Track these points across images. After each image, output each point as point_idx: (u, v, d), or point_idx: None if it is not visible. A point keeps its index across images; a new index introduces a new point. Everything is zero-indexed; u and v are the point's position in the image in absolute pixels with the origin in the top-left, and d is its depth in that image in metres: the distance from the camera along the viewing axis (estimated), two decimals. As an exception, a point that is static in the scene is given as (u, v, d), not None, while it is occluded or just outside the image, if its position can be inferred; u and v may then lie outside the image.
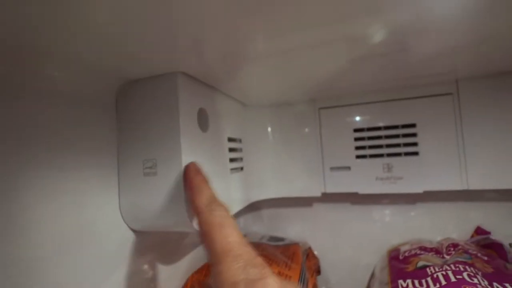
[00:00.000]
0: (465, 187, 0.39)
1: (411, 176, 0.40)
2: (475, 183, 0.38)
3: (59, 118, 0.22)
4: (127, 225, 0.27)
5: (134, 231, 0.28)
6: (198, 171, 0.24)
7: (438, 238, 0.43)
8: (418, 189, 0.40)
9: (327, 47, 0.25)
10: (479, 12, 0.21)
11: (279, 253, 0.40)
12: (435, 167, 0.39)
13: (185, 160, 0.25)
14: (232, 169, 0.36)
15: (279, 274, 0.33)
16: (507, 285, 0.28)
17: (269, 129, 0.46)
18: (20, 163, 0.19)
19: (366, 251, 0.47)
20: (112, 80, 0.26)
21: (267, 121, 0.46)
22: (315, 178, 0.44)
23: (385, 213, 0.47)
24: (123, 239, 0.27)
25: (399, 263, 0.35)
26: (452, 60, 0.33)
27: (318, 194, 0.44)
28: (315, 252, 0.48)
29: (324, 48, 0.25)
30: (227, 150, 0.35)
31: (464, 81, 0.39)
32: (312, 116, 0.45)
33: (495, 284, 0.28)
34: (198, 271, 0.36)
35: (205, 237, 0.19)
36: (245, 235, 0.51)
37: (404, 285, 0.30)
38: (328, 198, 0.48)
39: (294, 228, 0.52)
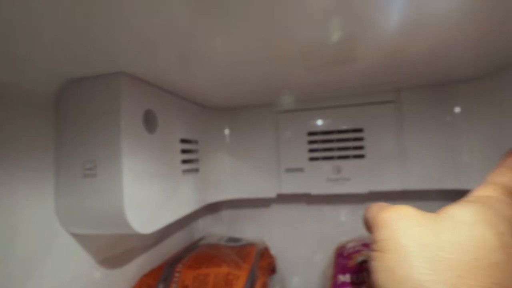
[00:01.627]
0: (405, 187, 0.42)
1: (358, 178, 0.43)
2: (414, 184, 0.42)
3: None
4: (64, 228, 0.26)
5: (73, 234, 0.27)
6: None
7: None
8: (364, 189, 0.43)
9: (278, 54, 0.26)
10: (417, 30, 0.23)
11: (234, 254, 0.40)
12: (379, 169, 0.43)
13: (126, 161, 0.25)
14: (185, 170, 0.36)
15: (228, 274, 0.34)
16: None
17: (227, 131, 0.47)
18: None
19: (319, 249, 0.49)
20: (51, 79, 0.25)
21: (225, 123, 0.47)
22: (271, 180, 0.46)
23: (336, 213, 0.49)
24: (58, 243, 0.26)
25: (343, 259, 0.38)
26: (394, 72, 0.36)
27: (273, 195, 0.46)
28: (272, 252, 0.50)
29: (275, 56, 0.26)
30: (179, 151, 0.35)
31: (405, 91, 0.43)
32: (270, 120, 0.46)
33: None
34: (147, 274, 0.35)
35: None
36: (203, 237, 0.51)
37: (343, 279, 0.32)
38: (284, 198, 0.50)
39: (253, 228, 0.53)
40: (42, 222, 0.25)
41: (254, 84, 0.36)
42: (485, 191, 0.17)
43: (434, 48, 0.26)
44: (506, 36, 0.24)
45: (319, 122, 0.45)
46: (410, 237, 0.15)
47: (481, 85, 0.37)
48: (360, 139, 0.43)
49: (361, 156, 0.43)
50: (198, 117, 0.42)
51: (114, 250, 0.32)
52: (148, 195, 0.27)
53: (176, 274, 0.35)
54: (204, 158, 0.42)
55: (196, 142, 0.40)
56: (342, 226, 0.49)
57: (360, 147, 0.43)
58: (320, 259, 0.49)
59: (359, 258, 0.35)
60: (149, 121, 0.29)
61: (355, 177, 0.43)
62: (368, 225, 0.20)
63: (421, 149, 0.42)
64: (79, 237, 0.27)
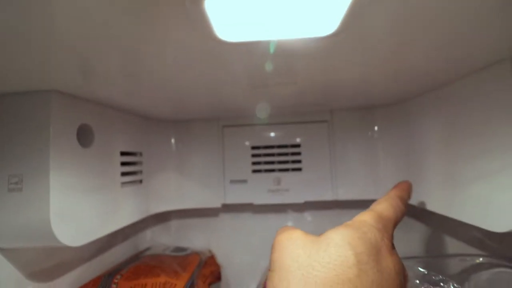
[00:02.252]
0: (335, 198, 0.47)
1: (295, 189, 0.47)
2: (342, 195, 0.47)
3: None
4: (-12, 243, 0.26)
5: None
6: None
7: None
8: (300, 199, 0.47)
9: (221, 75, 0.28)
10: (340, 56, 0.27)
11: (175, 264, 0.42)
12: (313, 181, 0.47)
13: (54, 176, 0.25)
14: (125, 182, 0.37)
15: (166, 283, 0.35)
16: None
17: (173, 142, 0.48)
18: None
19: (264, 256, 0.52)
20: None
21: (171, 135, 0.48)
22: (216, 190, 0.48)
23: (279, 221, 0.53)
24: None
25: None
26: (327, 95, 0.41)
27: (218, 205, 0.48)
28: (218, 260, 0.51)
29: (219, 76, 0.28)
30: (118, 164, 0.36)
31: (337, 112, 0.48)
32: (216, 133, 0.49)
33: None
34: (86, 285, 0.35)
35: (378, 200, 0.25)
36: (149, 247, 0.52)
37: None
38: (231, 208, 0.52)
39: (200, 237, 0.54)
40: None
41: (199, 99, 0.38)
42: (363, 217, 0.21)
43: (356, 80, 0.31)
44: (405, 72, 0.29)
45: (262, 137, 0.48)
46: (293, 258, 0.18)
47: (394, 110, 0.44)
48: (298, 153, 0.48)
49: (298, 169, 0.47)
50: (142, 129, 0.43)
51: (45, 263, 0.32)
52: (79, 209, 0.28)
53: (113, 286, 0.35)
54: (148, 170, 0.43)
55: (140, 154, 0.41)
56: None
57: (298, 161, 0.47)
58: (265, 265, 0.52)
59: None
60: (84, 136, 0.30)
61: (293, 188, 0.47)
62: None
63: (349, 163, 0.47)
64: (5, 251, 0.27)
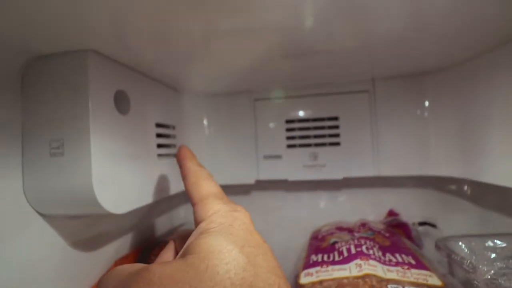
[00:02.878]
0: (377, 174, 0.44)
1: (333, 164, 0.44)
2: (385, 170, 0.43)
3: None
4: (34, 209, 0.26)
5: (43, 215, 0.27)
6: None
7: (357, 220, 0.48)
8: (339, 175, 0.44)
9: (246, 37, 0.26)
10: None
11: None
12: (353, 156, 0.44)
13: (94, 140, 0.24)
14: (161, 154, 0.36)
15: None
16: (396, 255, 0.32)
17: (205, 117, 0.47)
18: None
19: (296, 234, 0.50)
20: (15, 55, 0.24)
21: (203, 109, 0.47)
22: (249, 166, 0.46)
23: (313, 199, 0.51)
24: (27, 223, 0.25)
25: (317, 241, 0.39)
26: (368, 62, 0.37)
27: (251, 181, 0.47)
28: (251, 238, 0.50)
29: (244, 39, 0.26)
30: (154, 135, 0.35)
31: (379, 80, 0.44)
32: (248, 107, 0.47)
33: (387, 254, 0.32)
34: (122, 258, 0.35)
35: (193, 185, 0.23)
36: (183, 224, 0.52)
37: (315, 258, 0.33)
38: (263, 185, 0.51)
39: (232, 215, 0.53)
40: (9, 201, 0.24)
41: (232, 69, 0.36)
42: (208, 214, 0.20)
43: (405, 35, 0.27)
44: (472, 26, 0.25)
45: (297, 110, 0.46)
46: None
47: (447, 76, 0.39)
48: (336, 127, 0.45)
49: (336, 144, 0.44)
50: (174, 103, 0.41)
51: (87, 233, 0.32)
52: (120, 176, 0.27)
53: (152, 258, 0.35)
54: (180, 144, 0.42)
55: (173, 127, 0.40)
56: (318, 212, 0.50)
57: (336, 135, 0.44)
58: (297, 245, 0.50)
59: (332, 239, 0.36)
60: (121, 102, 0.29)
61: (331, 164, 0.44)
62: None
63: (393, 137, 0.43)
64: (49, 218, 0.27)
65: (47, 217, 0.27)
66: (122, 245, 0.37)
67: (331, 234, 0.39)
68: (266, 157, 0.46)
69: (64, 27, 0.21)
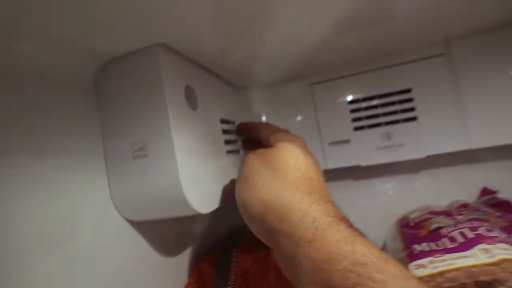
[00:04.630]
0: (468, 147, 0.38)
1: (412, 142, 0.39)
2: (478, 141, 0.37)
3: (34, 101, 0.20)
4: (121, 215, 0.25)
5: (129, 221, 0.26)
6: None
7: (445, 203, 0.42)
8: (421, 154, 0.39)
9: (312, 7, 0.23)
10: None
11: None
12: (435, 130, 0.39)
13: (176, 138, 0.23)
14: (228, 151, 0.34)
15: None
16: (522, 235, 0.27)
17: (263, 110, 0.45)
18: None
19: (373, 224, 0.46)
20: (88, 61, 0.24)
21: (259, 102, 0.45)
22: (315, 155, 0.43)
23: (389, 185, 0.46)
24: (117, 230, 0.25)
25: (411, 229, 0.34)
26: (440, 19, 0.32)
27: (319, 171, 0.43)
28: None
29: (310, 9, 0.24)
30: (220, 131, 0.33)
31: (455, 40, 0.38)
32: (305, 93, 0.44)
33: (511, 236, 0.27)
34: (203, 261, 0.34)
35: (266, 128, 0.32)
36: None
37: (420, 248, 0.29)
38: (330, 175, 0.47)
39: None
40: (100, 209, 0.24)
41: (294, 50, 0.33)
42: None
43: None
44: None
45: (360, 88, 0.41)
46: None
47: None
48: (409, 100, 0.40)
49: (412, 119, 0.39)
50: (233, 98, 0.40)
51: (169, 237, 0.31)
52: (200, 174, 0.26)
53: (234, 259, 0.33)
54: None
55: (233, 122, 0.39)
56: (396, 198, 0.45)
57: (411, 109, 0.39)
58: (374, 235, 0.45)
59: (433, 225, 0.32)
60: (190, 99, 0.28)
61: (409, 142, 0.39)
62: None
63: (482, 102, 0.37)
64: (136, 224, 0.26)
65: (134, 223, 0.26)
66: (199, 247, 0.36)
67: (427, 220, 0.34)
68: (332, 143, 0.42)
69: (134, 23, 0.20)
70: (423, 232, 0.32)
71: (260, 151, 0.25)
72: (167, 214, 0.25)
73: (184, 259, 0.33)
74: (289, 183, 0.21)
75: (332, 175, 0.46)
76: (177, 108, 0.24)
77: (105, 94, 0.25)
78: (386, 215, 0.44)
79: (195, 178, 0.25)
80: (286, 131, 0.31)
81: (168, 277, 0.30)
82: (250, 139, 0.36)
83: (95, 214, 0.23)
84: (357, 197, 0.47)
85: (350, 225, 0.19)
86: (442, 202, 0.43)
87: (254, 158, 0.24)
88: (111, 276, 0.23)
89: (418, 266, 0.26)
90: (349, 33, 0.31)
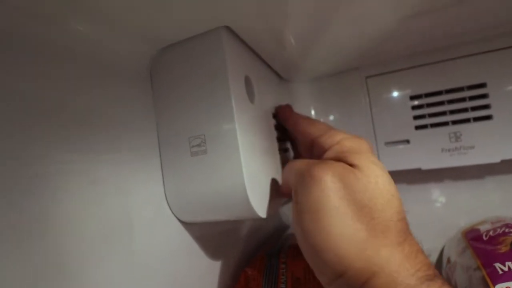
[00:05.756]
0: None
1: (484, 144, 0.35)
2: None
3: (87, 90, 0.18)
4: (175, 216, 0.23)
5: (182, 222, 0.24)
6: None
7: (516, 215, 0.37)
8: (495, 158, 0.34)
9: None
10: None
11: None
12: (514, 131, 0.34)
13: (240, 133, 0.21)
14: (280, 148, 0.31)
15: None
16: None
17: (312, 106, 0.41)
18: (45, 145, 0.15)
19: (429, 234, 0.41)
20: (145, 47, 0.22)
21: (308, 97, 0.41)
22: (367, 156, 0.39)
23: (449, 191, 0.41)
24: (171, 231, 0.23)
25: (486, 244, 0.30)
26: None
27: (371, 174, 0.39)
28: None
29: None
30: (273, 126, 0.30)
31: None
32: (359, 87, 0.40)
33: None
34: (250, 266, 0.32)
35: (308, 123, 0.26)
36: (289, 226, 0.47)
37: (505, 268, 0.25)
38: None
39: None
40: (154, 209, 0.22)
41: (351, 40, 0.30)
42: (336, 140, 0.22)
43: None
44: None
45: (424, 82, 0.37)
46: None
47: None
48: (483, 96, 0.35)
49: (487, 118, 0.34)
50: (282, 90, 0.37)
51: (216, 239, 0.29)
52: (260, 174, 0.23)
53: (282, 266, 0.31)
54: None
55: (282, 118, 0.36)
56: (457, 206, 0.41)
57: (485, 106, 0.35)
58: (430, 246, 0.41)
59: (517, 241, 0.27)
60: (248, 90, 0.25)
61: (481, 144, 0.35)
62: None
63: None
64: (187, 225, 0.24)
65: (186, 225, 0.24)
66: (244, 249, 0.34)
67: (505, 234, 0.30)
68: (389, 143, 0.38)
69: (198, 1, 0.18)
70: (503, 248, 0.28)
71: (337, 167, 0.18)
72: (224, 217, 0.23)
73: (229, 263, 0.31)
74: (377, 231, 0.16)
75: (392, 176, 0.42)
76: (239, 99, 0.22)
77: (161, 84, 0.23)
78: (445, 224, 0.40)
79: (256, 178, 0.22)
80: (340, 131, 0.23)
81: (213, 282, 0.28)
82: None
83: (151, 214, 0.21)
84: (412, 203, 0.43)
85: (443, 282, 0.15)
86: (510, 212, 0.38)
87: (333, 182, 0.17)
88: (164, 278, 0.22)
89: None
90: (415, 19, 0.27)
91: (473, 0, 0.25)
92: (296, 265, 0.30)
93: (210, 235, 0.28)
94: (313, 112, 0.41)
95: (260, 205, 0.22)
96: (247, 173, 0.20)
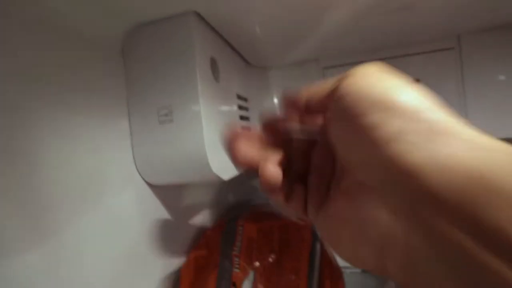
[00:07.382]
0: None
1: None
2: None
3: (67, 58, 0.21)
4: (143, 178, 0.26)
5: (149, 184, 0.27)
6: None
7: None
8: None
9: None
10: None
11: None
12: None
13: (203, 106, 0.24)
14: (243, 126, 0.35)
15: (290, 224, 0.34)
16: None
17: (275, 93, 0.46)
18: (31, 99, 0.18)
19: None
20: (118, 22, 0.24)
21: (271, 82, 0.45)
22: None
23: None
24: (138, 193, 0.26)
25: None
26: (454, 14, 0.33)
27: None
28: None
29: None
30: (236, 106, 0.34)
31: (466, 36, 0.40)
32: (317, 77, 0.44)
33: None
34: (212, 229, 0.36)
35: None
36: (251, 199, 0.52)
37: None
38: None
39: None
40: (123, 170, 0.25)
41: (304, 31, 0.34)
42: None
43: None
44: None
45: (371, 76, 0.43)
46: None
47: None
48: (416, 91, 0.41)
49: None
50: (247, 75, 0.40)
51: (184, 203, 0.33)
52: (219, 143, 0.27)
53: (240, 228, 0.35)
54: (254, 117, 0.41)
55: (245, 99, 0.40)
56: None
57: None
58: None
59: None
60: (214, 70, 0.29)
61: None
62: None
63: (484, 96, 0.39)
64: (154, 187, 0.28)
65: (154, 187, 0.28)
66: (207, 216, 0.38)
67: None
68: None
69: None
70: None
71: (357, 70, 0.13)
72: (189, 179, 0.26)
73: (193, 225, 0.35)
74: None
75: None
76: (204, 76, 0.25)
77: (133, 58, 0.25)
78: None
79: (217, 145, 0.26)
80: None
81: (177, 241, 0.32)
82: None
83: (120, 174, 0.24)
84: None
85: None
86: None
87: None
88: (134, 235, 0.25)
89: None
90: (368, 18, 0.31)
91: (417, 7, 0.30)
92: (251, 227, 0.35)
93: (177, 200, 0.32)
94: (275, 99, 0.46)
95: (220, 169, 0.26)
96: (208, 140, 0.24)
